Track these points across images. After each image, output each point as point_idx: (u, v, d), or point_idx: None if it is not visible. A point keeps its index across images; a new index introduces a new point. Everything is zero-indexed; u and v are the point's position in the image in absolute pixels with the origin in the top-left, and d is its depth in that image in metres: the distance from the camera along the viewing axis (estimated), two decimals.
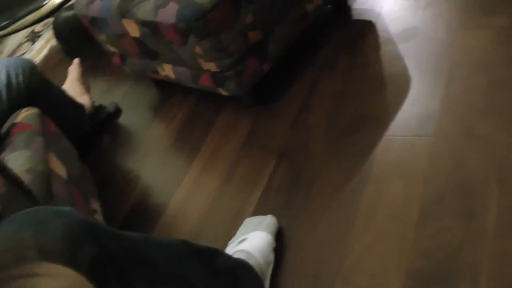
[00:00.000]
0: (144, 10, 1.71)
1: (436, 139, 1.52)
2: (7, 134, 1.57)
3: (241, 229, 1.49)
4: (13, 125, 1.60)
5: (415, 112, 1.64)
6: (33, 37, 3.55)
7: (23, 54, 3.38)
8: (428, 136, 1.54)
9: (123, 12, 1.80)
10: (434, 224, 1.32)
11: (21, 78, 1.78)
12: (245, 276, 1.27)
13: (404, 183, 1.45)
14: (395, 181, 1.47)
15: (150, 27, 1.73)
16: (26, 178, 1.35)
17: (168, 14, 1.63)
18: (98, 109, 2.30)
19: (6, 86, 1.74)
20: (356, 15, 2.17)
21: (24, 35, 3.63)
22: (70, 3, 2.39)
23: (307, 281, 1.36)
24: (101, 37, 2.09)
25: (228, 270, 1.22)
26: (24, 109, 1.67)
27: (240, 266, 1.28)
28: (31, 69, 1.83)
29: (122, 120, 2.31)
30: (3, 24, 2.55)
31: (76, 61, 2.39)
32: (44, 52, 3.23)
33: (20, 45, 3.57)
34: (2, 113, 1.69)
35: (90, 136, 2.22)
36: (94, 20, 2.00)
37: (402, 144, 1.57)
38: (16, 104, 1.73)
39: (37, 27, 3.63)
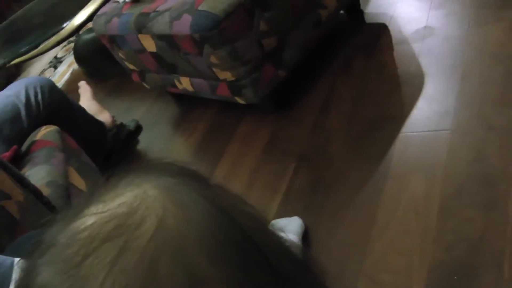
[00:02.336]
0: (160, 24, 1.75)
1: (453, 133, 1.53)
2: (27, 151, 1.61)
3: None
4: (33, 142, 1.63)
5: (432, 108, 1.65)
6: (56, 63, 3.63)
7: None
8: (445, 130, 1.55)
9: (140, 28, 1.84)
10: (455, 216, 1.32)
11: (40, 96, 1.82)
12: None
13: (424, 178, 1.46)
14: (415, 177, 1.48)
15: (166, 40, 1.77)
16: (45, 191, 1.38)
17: (183, 26, 1.67)
18: (119, 127, 2.34)
19: (25, 104, 1.78)
20: (369, 19, 2.20)
21: (47, 62, 3.71)
22: (89, 25, 2.44)
23: (331, 280, 1.36)
24: (120, 55, 2.14)
25: None
26: (44, 127, 1.70)
27: None
28: (50, 88, 1.87)
29: (144, 136, 2.34)
30: (24, 49, 2.61)
31: (83, 82, 2.44)
32: (67, 76, 3.30)
33: (43, 71, 3.65)
34: (22, 131, 1.72)
35: (113, 154, 2.25)
36: (112, 38, 2.05)
37: (420, 140, 1.58)
38: (35, 122, 1.76)
39: (59, 53, 3.71)
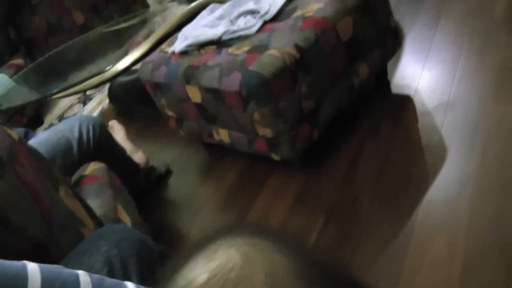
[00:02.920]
0: (209, 78, 1.90)
1: (474, 201, 1.66)
2: (77, 184, 1.72)
3: None
4: (83, 176, 1.75)
5: (453, 176, 1.79)
6: (85, 100, 3.76)
7: (75, 114, 3.59)
8: (466, 198, 1.68)
9: (188, 78, 1.99)
10: (477, 278, 1.43)
11: (91, 134, 1.95)
12: None
13: (447, 240, 1.58)
14: (438, 238, 1.60)
15: (213, 93, 1.91)
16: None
17: (232, 82, 1.81)
18: (149, 170, 2.45)
19: (78, 140, 1.91)
20: (395, 90, 2.35)
21: (77, 97, 3.85)
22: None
23: None
24: (162, 102, 2.27)
25: None
26: (92, 163, 1.83)
27: None
28: (100, 126, 2.00)
29: (173, 181, 2.46)
30: (62, 87, 2.74)
31: (114, 122, 2.56)
32: (96, 113, 3.44)
33: (71, 105, 3.78)
34: (72, 164, 1.84)
35: (142, 194, 2.35)
36: (157, 85, 2.19)
37: (442, 205, 1.71)
38: (85, 157, 1.89)
39: (89, 91, 3.85)
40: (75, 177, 1.78)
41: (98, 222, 1.37)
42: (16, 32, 4.14)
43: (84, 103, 3.71)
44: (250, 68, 1.79)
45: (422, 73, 2.36)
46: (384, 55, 2.19)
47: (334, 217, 1.84)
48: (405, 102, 2.24)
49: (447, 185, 1.78)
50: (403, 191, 1.82)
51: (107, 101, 3.39)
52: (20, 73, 3.36)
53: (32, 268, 0.69)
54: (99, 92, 3.69)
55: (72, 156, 1.88)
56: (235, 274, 0.47)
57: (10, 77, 3.36)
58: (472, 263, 1.47)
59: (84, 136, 1.93)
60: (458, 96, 2.13)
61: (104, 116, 3.29)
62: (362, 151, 2.08)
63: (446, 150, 1.91)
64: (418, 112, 2.16)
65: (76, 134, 1.91)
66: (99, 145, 1.97)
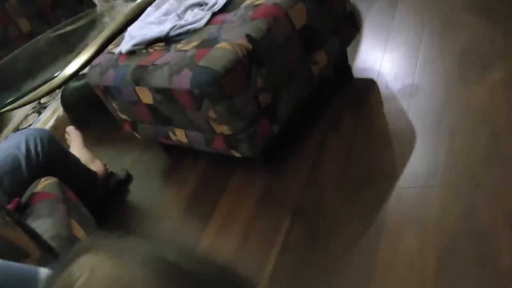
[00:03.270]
0: (158, 78, 1.79)
1: (444, 189, 1.58)
2: (28, 203, 1.61)
3: None
4: (34, 194, 1.64)
5: (421, 165, 1.71)
6: (39, 108, 3.62)
7: (30, 125, 3.45)
8: (436, 187, 1.60)
9: (137, 80, 1.87)
10: (451, 271, 1.36)
11: (39, 148, 1.83)
12: None
13: (418, 232, 1.50)
14: (409, 231, 1.52)
15: (164, 93, 1.80)
16: (52, 244, 1.38)
17: (183, 81, 1.70)
18: (109, 177, 2.34)
19: (25, 156, 1.79)
20: (357, 74, 2.27)
21: (31, 107, 3.71)
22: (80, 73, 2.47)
23: None
24: (113, 105, 2.16)
25: None
26: (43, 179, 1.71)
27: None
28: (48, 138, 1.88)
29: (134, 186, 2.35)
30: (13, 98, 2.62)
31: (71, 128, 2.44)
32: (51, 122, 3.30)
33: (26, 116, 3.64)
34: (23, 182, 1.73)
35: (102, 203, 2.25)
36: (107, 89, 2.07)
37: (412, 195, 1.63)
38: (35, 173, 1.77)
39: (43, 99, 3.71)
40: (26, 195, 1.67)
41: (46, 248, 1.26)
42: None
43: (39, 113, 3.56)
44: (200, 64, 1.68)
45: (384, 56, 2.28)
46: (342, 41, 2.10)
47: (301, 217, 1.75)
48: (369, 86, 2.16)
49: (416, 174, 1.69)
50: (370, 184, 1.74)
51: (62, 109, 3.25)
52: None
53: None
54: (54, 100, 3.55)
55: (21, 174, 1.77)
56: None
57: None
58: (445, 257, 1.40)
59: (32, 151, 1.82)
60: (422, 79, 2.05)
61: (60, 124, 3.15)
62: (325, 144, 1.99)
63: (413, 137, 1.83)
64: (382, 96, 2.08)
65: (23, 150, 1.80)
66: (49, 158, 1.86)
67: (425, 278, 1.37)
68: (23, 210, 1.58)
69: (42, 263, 1.16)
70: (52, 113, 3.41)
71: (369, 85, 2.16)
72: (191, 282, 0.47)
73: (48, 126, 3.28)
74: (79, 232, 1.54)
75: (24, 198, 1.64)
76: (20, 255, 1.11)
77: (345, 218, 1.66)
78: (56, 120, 3.30)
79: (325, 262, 1.56)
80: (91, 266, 0.45)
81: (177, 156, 2.34)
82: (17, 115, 3.73)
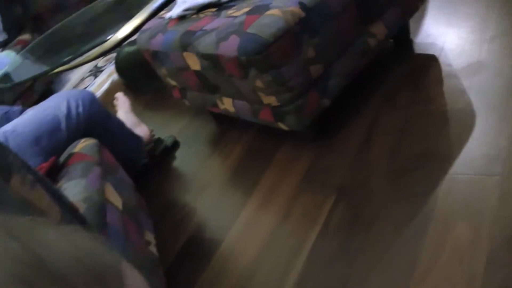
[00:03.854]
0: (206, 43, 1.72)
1: (504, 178, 1.45)
2: (65, 163, 1.59)
3: None
4: (71, 155, 1.61)
5: (481, 150, 1.57)
6: (96, 72, 3.64)
7: (86, 87, 3.47)
8: (495, 176, 1.47)
9: (185, 46, 1.81)
10: (503, 271, 1.24)
11: (80, 109, 1.80)
12: None
13: (471, 224, 1.38)
14: (461, 222, 1.40)
15: (211, 60, 1.74)
16: (81, 206, 1.35)
17: (230, 47, 1.63)
18: (156, 142, 2.31)
19: (66, 116, 1.77)
20: (418, 49, 2.13)
21: (87, 70, 3.73)
22: (132, 38, 2.43)
23: None
24: (162, 71, 2.11)
25: None
26: (83, 140, 1.69)
27: None
28: (91, 101, 1.85)
29: (180, 153, 2.31)
30: (67, 58, 2.61)
31: (120, 94, 2.42)
32: (106, 86, 3.30)
33: (82, 79, 3.66)
34: (61, 143, 1.71)
35: (147, 168, 2.23)
36: (155, 54, 2.02)
37: (467, 183, 1.50)
38: (74, 134, 1.75)
39: (100, 62, 3.72)
40: (64, 155, 1.65)
41: (69, 209, 1.22)
42: (23, 9, 4.06)
43: (95, 76, 3.57)
44: (248, 30, 1.60)
45: (449, 31, 2.13)
46: (404, 12, 1.97)
47: (345, 196, 1.66)
48: (429, 63, 2.02)
49: (473, 161, 1.55)
50: (422, 168, 1.62)
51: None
52: (27, 47, 3.26)
53: None
54: (110, 63, 3.55)
55: (60, 134, 1.74)
56: None
57: (17, 54, 3.26)
58: (499, 255, 1.27)
59: (73, 111, 1.79)
60: (489, 57, 1.90)
61: (114, 88, 3.15)
62: (377, 122, 1.88)
63: (473, 120, 1.69)
64: (443, 74, 1.94)
65: (64, 110, 1.77)
66: (90, 120, 1.83)
67: (474, 274, 1.26)
68: (59, 170, 1.56)
69: (62, 224, 1.12)
70: (107, 76, 3.41)
71: (430, 62, 2.02)
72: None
73: (102, 89, 3.29)
74: (112, 196, 1.50)
75: (62, 158, 1.62)
76: (37, 215, 1.07)
77: (392, 202, 1.56)
78: (110, 84, 3.30)
79: (366, 246, 1.47)
80: None
81: (225, 126, 2.29)
82: (74, 77, 3.76)
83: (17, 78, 2.89)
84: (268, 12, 1.63)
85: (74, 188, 1.44)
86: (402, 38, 2.14)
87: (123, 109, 2.35)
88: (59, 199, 1.20)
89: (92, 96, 1.88)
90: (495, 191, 1.42)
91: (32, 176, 1.10)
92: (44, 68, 2.77)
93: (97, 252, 0.39)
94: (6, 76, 2.94)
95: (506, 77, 1.77)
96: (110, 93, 3.07)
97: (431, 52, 2.07)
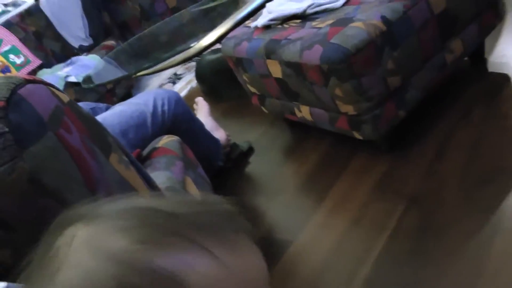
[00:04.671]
0: (290, 52, 1.82)
1: None
2: (149, 156, 1.70)
3: None
4: (155, 149, 1.72)
5: None
6: (175, 79, 3.79)
7: None
8: None
9: (269, 53, 1.92)
10: None
11: (166, 107, 1.92)
12: None
13: None
14: None
15: (294, 67, 1.83)
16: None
17: (313, 56, 1.72)
18: (232, 147, 2.42)
19: (152, 113, 1.89)
20: (492, 68, 2.17)
21: (166, 77, 3.88)
22: (215, 47, 2.55)
23: None
24: (244, 77, 2.22)
25: None
26: (166, 136, 1.79)
27: None
28: (176, 100, 1.97)
29: (255, 159, 2.40)
30: (151, 63, 2.75)
31: (200, 98, 2.53)
32: (184, 92, 3.44)
33: (161, 85, 3.82)
34: (146, 137, 1.82)
35: (223, 171, 2.32)
36: (239, 61, 2.13)
37: None
38: (159, 130, 1.87)
39: (179, 70, 3.87)
40: (147, 149, 1.76)
41: (157, 193, 1.32)
42: (110, 17, 4.25)
43: (174, 83, 3.72)
44: (331, 41, 1.69)
45: None
46: (481, 30, 2.02)
47: (416, 205, 1.71)
48: (503, 82, 2.05)
49: None
50: (494, 181, 1.65)
51: (196, 81, 3.38)
52: (111, 53, 3.43)
53: None
54: (189, 72, 3.70)
55: (146, 129, 1.86)
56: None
57: (101, 58, 3.44)
58: None
59: (159, 109, 1.91)
60: None
61: (192, 95, 3.28)
62: (451, 136, 1.92)
63: None
64: None
65: (150, 108, 1.89)
66: (174, 118, 1.94)
67: None
68: (142, 162, 1.67)
69: None
70: (186, 84, 3.55)
71: (504, 80, 2.06)
72: (182, 223, 0.46)
73: (181, 95, 3.42)
74: (192, 188, 1.59)
75: (145, 151, 1.72)
76: (130, 192, 1.16)
77: (462, 212, 1.60)
78: (189, 91, 3.44)
79: (434, 253, 1.51)
80: (72, 236, 0.45)
81: (301, 135, 2.37)
82: (153, 83, 3.92)
83: (98, 81, 3.06)
84: (352, 24, 1.71)
85: (157, 179, 1.53)
86: (478, 56, 2.18)
87: (203, 113, 2.47)
88: (149, 182, 1.31)
89: (177, 96, 2.00)
90: None
91: (126, 158, 1.20)
92: (125, 73, 2.94)
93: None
94: (89, 78, 3.12)
95: None
96: (188, 100, 3.20)
97: (505, 71, 2.11)
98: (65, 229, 0.46)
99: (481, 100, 2.01)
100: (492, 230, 1.49)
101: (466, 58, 2.15)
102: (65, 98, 0.96)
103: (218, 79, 2.92)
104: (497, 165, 1.71)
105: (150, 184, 1.32)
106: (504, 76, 2.08)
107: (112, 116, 1.83)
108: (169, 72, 3.88)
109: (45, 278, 0.44)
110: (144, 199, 0.51)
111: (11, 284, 0.70)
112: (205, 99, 2.66)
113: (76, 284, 0.42)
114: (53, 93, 0.92)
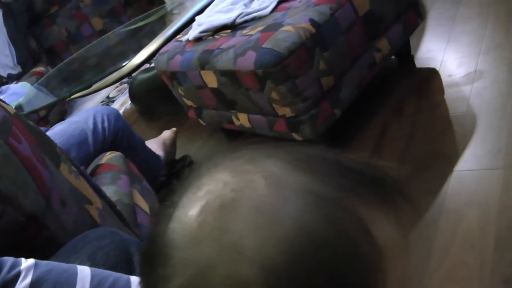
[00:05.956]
0: (224, 60, 1.85)
1: (506, 171, 1.56)
2: (92, 173, 1.69)
3: None
4: (99, 165, 1.71)
5: (483, 147, 1.70)
6: (108, 102, 3.76)
7: None
8: (498, 169, 1.59)
9: (203, 64, 1.94)
10: (511, 252, 1.34)
11: (106, 124, 1.92)
12: None
13: (479, 213, 1.49)
14: (470, 211, 1.51)
15: (229, 76, 1.86)
16: None
17: (247, 62, 1.75)
18: (171, 163, 2.42)
19: (92, 130, 1.88)
20: (419, 64, 2.27)
21: (99, 101, 3.85)
22: (147, 66, 2.56)
23: None
24: (179, 91, 2.23)
25: None
26: (108, 153, 1.79)
27: None
28: (115, 116, 1.97)
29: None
30: (83, 85, 2.73)
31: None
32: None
33: None
34: (88, 155, 1.82)
35: (165, 185, 2.32)
36: (173, 75, 2.15)
37: (473, 177, 1.62)
38: (100, 147, 1.86)
39: (112, 93, 3.85)
40: (91, 167, 1.75)
41: (108, 203, 1.32)
42: (37, 42, 4.20)
43: (108, 105, 3.69)
44: (264, 46, 1.73)
45: (447, 46, 2.27)
46: (406, 29, 2.10)
47: None
48: (430, 75, 2.15)
49: (477, 157, 1.68)
50: (431, 167, 1.73)
51: (129, 102, 3.36)
52: (41, 79, 3.39)
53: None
54: (122, 94, 3.68)
55: (87, 147, 1.85)
56: (229, 189, 0.43)
57: (32, 85, 3.38)
58: (505, 237, 1.38)
59: (99, 126, 1.90)
60: (485, 65, 2.03)
61: (127, 117, 3.26)
62: (387, 129, 2.00)
63: (475, 121, 1.81)
64: (444, 84, 2.07)
65: (90, 125, 1.88)
66: (115, 134, 1.94)
67: (485, 258, 1.36)
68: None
69: (104, 214, 1.21)
70: (120, 105, 3.53)
71: (431, 74, 2.16)
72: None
73: None
74: (140, 201, 1.60)
75: (89, 169, 1.71)
76: (82, 200, 1.16)
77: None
78: (124, 112, 3.41)
79: None
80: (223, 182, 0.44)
81: (240, 143, 2.39)
82: (86, 107, 3.87)
83: (28, 108, 3.01)
84: (282, 29, 1.76)
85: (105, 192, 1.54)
86: (404, 54, 2.27)
87: (161, 136, 2.47)
88: (99, 193, 1.30)
89: (116, 112, 2.00)
90: (498, 183, 1.54)
91: (75, 168, 1.20)
92: (63, 94, 2.90)
93: None
94: (19, 107, 3.06)
95: (502, 82, 1.90)
96: None
97: (431, 65, 2.21)
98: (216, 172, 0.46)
99: (412, 94, 2.10)
100: (436, 211, 1.56)
101: (393, 57, 2.24)
102: (11, 110, 0.96)
103: (152, 97, 2.92)
104: (434, 151, 1.79)
105: (101, 195, 1.31)
106: (432, 70, 2.18)
107: (53, 136, 1.80)
108: (102, 96, 3.85)
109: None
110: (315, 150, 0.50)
111: (38, 260, 0.71)
112: (140, 120, 2.66)
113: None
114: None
